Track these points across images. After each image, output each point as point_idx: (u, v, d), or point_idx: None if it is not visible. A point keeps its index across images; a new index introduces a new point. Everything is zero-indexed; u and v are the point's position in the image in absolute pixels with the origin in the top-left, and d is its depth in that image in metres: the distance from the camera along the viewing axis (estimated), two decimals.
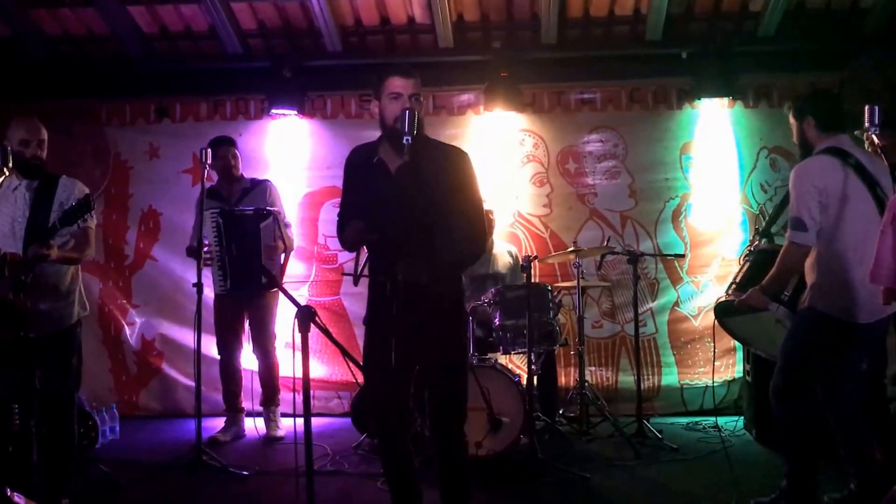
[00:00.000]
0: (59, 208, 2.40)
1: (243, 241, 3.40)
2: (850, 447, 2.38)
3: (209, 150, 3.22)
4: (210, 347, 4.13)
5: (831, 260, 2.33)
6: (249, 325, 3.64)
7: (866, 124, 2.13)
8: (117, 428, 3.70)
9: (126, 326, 4.25)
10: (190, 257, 3.55)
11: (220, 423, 3.69)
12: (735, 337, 2.99)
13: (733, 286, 2.63)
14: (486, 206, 3.11)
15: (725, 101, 4.06)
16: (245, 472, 2.99)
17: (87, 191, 2.49)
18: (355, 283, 2.05)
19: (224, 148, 3.56)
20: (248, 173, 4.38)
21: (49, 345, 2.45)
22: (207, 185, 3.49)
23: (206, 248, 3.34)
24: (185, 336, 4.12)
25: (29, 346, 2.38)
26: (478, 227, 2.06)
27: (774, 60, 4.03)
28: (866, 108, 2.14)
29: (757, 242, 2.68)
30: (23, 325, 2.31)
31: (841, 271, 2.31)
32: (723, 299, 2.63)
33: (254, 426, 3.60)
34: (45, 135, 2.53)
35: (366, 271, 2.08)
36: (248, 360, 3.91)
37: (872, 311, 2.28)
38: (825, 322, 2.34)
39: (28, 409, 2.44)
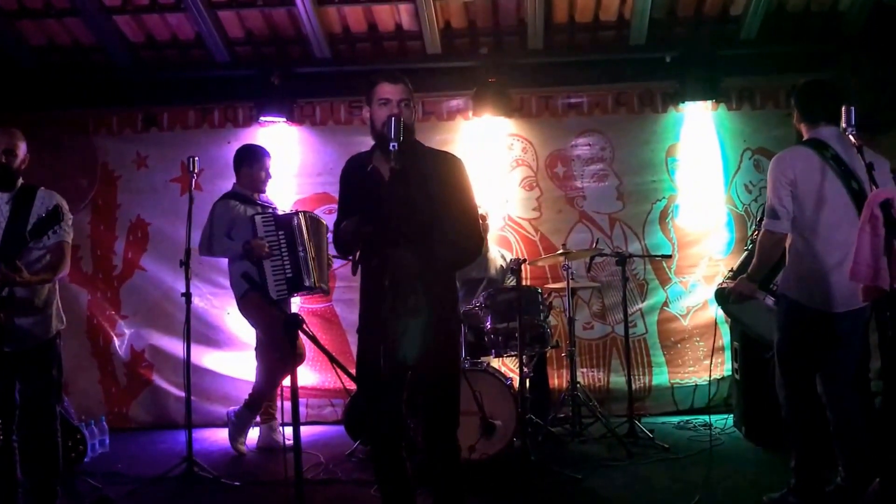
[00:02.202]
0: (32, 226, 2.35)
1: (322, 245, 3.41)
2: (842, 441, 2.42)
3: (197, 158, 3.21)
4: (201, 357, 4.11)
5: (803, 248, 2.40)
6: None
7: (843, 125, 2.18)
8: (107, 441, 3.65)
9: (115, 338, 4.21)
10: (248, 259, 3.26)
11: (210, 433, 3.64)
12: (737, 321, 3.06)
13: (731, 272, 2.70)
14: (480, 211, 3.15)
15: (709, 103, 4.13)
16: (237, 483, 2.97)
17: (59, 202, 2.43)
18: (354, 271, 2.06)
19: (268, 160, 3.52)
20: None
21: (28, 359, 2.42)
22: (232, 189, 3.47)
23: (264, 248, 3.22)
24: (175, 346, 4.09)
25: (7, 361, 2.35)
26: (472, 231, 2.08)
27: (756, 63, 4.10)
28: (843, 108, 2.19)
29: (757, 232, 2.74)
30: None
31: (812, 260, 2.37)
32: (721, 286, 2.75)
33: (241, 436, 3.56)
34: (17, 144, 2.48)
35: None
36: (230, 367, 3.87)
37: (843, 300, 2.33)
38: (800, 312, 2.39)
39: (9, 424, 2.41)
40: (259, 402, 3.46)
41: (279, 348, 3.37)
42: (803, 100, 2.50)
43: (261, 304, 3.33)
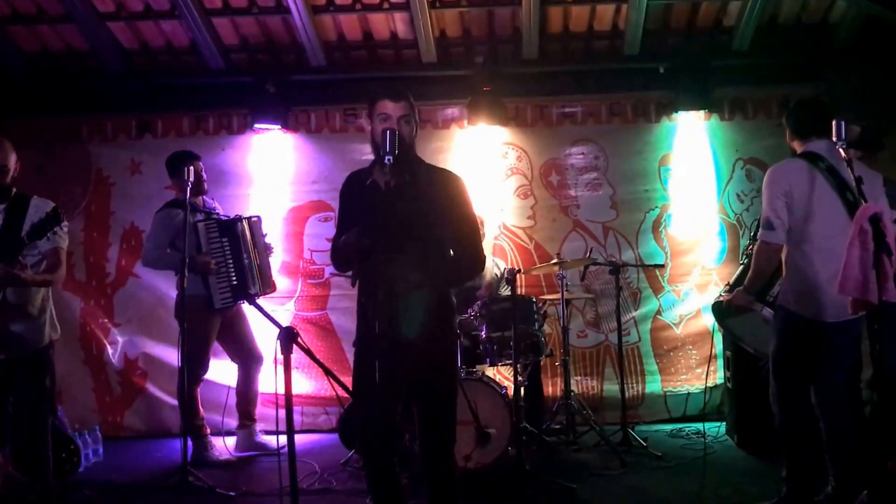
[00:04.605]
0: (30, 228, 2.38)
1: (262, 246, 3.49)
2: (834, 450, 2.44)
3: (192, 168, 3.20)
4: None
5: (799, 259, 2.43)
6: (228, 336, 3.53)
7: (833, 139, 2.22)
8: (101, 450, 3.62)
9: (108, 346, 4.18)
10: (193, 272, 3.19)
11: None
12: (732, 335, 3.10)
13: (727, 286, 2.73)
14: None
15: (702, 113, 4.17)
16: (232, 493, 2.96)
17: (54, 206, 2.44)
18: (353, 283, 2.07)
19: (199, 162, 3.46)
20: (232, 188, 4.33)
21: (21, 368, 2.41)
22: (174, 197, 3.44)
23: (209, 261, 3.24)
24: (169, 354, 4.07)
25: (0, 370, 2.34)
26: (473, 249, 2.09)
27: (748, 74, 4.14)
28: (833, 122, 2.23)
29: (752, 245, 2.78)
30: None
31: (808, 270, 2.41)
32: (718, 300, 2.76)
33: (225, 444, 3.51)
34: (8, 157, 2.48)
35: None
36: (224, 375, 3.84)
37: (838, 311, 2.36)
38: (797, 321, 2.43)
39: (1, 435, 2.40)
40: (245, 408, 3.48)
41: (200, 359, 3.35)
42: (794, 118, 2.57)
43: (200, 311, 3.26)
